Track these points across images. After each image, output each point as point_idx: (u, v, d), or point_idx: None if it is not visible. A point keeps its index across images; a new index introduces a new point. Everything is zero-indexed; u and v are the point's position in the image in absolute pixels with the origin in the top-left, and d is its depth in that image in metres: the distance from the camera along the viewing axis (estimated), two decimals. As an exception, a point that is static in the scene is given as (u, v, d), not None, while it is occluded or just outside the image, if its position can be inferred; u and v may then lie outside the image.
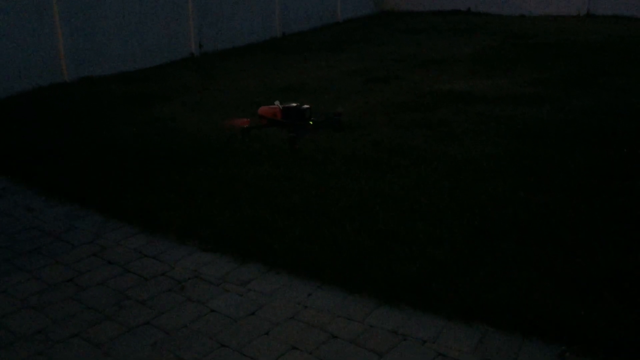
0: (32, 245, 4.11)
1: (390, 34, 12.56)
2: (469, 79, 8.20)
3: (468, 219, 4.01)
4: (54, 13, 8.64)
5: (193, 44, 10.91)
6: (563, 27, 12.20)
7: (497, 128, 5.96)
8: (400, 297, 3.29)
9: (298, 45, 11.67)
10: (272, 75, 8.99)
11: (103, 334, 3.13)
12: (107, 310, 3.34)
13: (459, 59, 9.57)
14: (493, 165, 4.93)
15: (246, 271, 3.69)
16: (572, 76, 7.98)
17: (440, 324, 3.09)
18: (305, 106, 5.45)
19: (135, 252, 3.99)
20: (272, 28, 12.81)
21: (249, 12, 12.10)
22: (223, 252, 3.91)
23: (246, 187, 4.71)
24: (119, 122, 6.69)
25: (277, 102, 5.56)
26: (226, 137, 5.94)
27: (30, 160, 5.58)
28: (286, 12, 13.06)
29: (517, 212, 4.08)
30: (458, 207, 4.21)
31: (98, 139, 6.07)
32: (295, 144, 5.40)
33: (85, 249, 4.05)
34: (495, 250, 3.61)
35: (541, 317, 3.00)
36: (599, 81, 7.66)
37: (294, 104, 5.50)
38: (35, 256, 3.97)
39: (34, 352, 3.01)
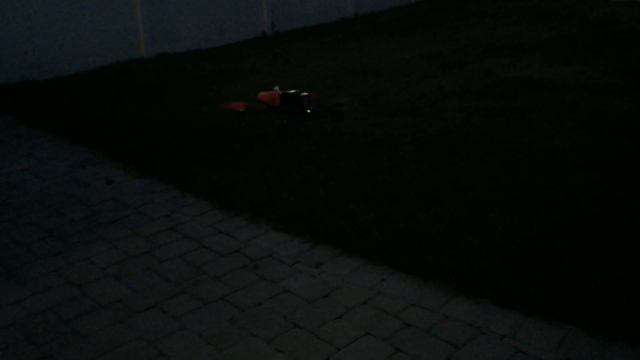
0: (112, 217, 4.24)
1: (466, 17, 12.22)
2: (547, 66, 7.87)
3: (545, 212, 3.87)
4: (134, -9, 8.85)
5: (266, 23, 10.94)
6: (650, 14, 11.55)
7: (578, 119, 5.71)
8: (477, 290, 3.21)
9: (370, 26, 11.53)
10: (343, 56, 8.92)
11: (180, 307, 3.20)
12: (184, 284, 3.41)
13: (537, 44, 9.21)
14: (571, 158, 4.73)
15: (318, 253, 3.69)
16: (660, 66, 7.55)
17: (518, 320, 3.00)
18: (304, 94, 5.29)
19: (210, 227, 4.05)
20: (344, 8, 12.68)
21: (321, -8, 12.02)
22: (295, 233, 3.91)
23: (317, 170, 4.70)
24: (192, 99, 6.80)
25: (276, 88, 5.46)
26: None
27: (110, 132, 5.75)
28: (359, -8, 12.90)
29: (596, 208, 3.90)
30: (534, 199, 4.06)
31: (173, 115, 6.19)
32: (286, 132, 5.25)
33: (162, 222, 4.14)
34: (577, 248, 3.46)
35: (630, 319, 2.86)
36: (691, 73, 7.22)
37: (293, 91, 5.36)
38: (115, 227, 4.09)
39: (115, 320, 3.10)
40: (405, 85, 7.06)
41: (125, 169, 5.04)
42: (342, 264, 3.56)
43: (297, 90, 5.43)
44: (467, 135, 5.31)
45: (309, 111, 5.31)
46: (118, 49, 8.80)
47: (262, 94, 5.66)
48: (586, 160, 4.66)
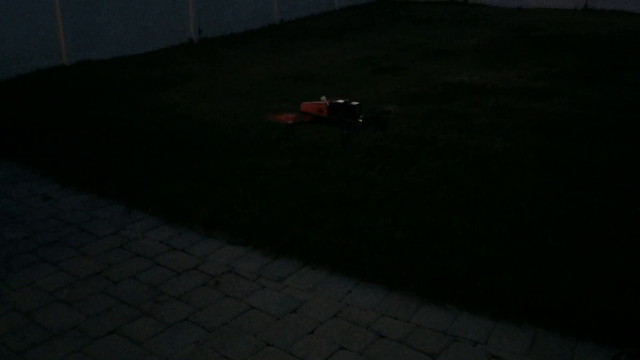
0: (54, 236, 3.96)
1: (391, 23, 12.43)
2: (477, 70, 8.12)
3: (503, 215, 3.95)
4: (54, -6, 8.40)
5: (192, 29, 10.69)
6: (563, 21, 12.16)
7: (515, 121, 5.90)
8: (445, 296, 3.22)
9: (298, 32, 11.50)
10: (276, 62, 8.83)
11: (142, 331, 3.02)
12: (143, 306, 3.22)
13: (465, 50, 9.49)
14: (518, 160, 4.87)
15: (281, 266, 3.59)
16: (581, 70, 7.93)
17: (489, 325, 3.02)
18: (355, 103, 5.18)
19: (162, 244, 3.86)
20: (270, 15, 12.60)
21: (248, -2, 11.90)
22: (254, 245, 3.80)
23: (271, 178, 4.60)
24: (127, 107, 6.52)
25: (323, 98, 5.31)
26: (240, 126, 5.83)
27: (41, 144, 5.40)
28: (285, -1, 12.86)
29: (551, 208, 4.02)
30: (491, 201, 4.15)
31: (108, 124, 5.90)
32: (347, 143, 5.19)
33: (110, 240, 3.91)
34: (537, 248, 3.55)
35: (594, 317, 2.95)
36: (608, 75, 7.63)
37: (342, 100, 5.24)
38: (58, 247, 3.82)
39: (72, 349, 2.89)
40: (343, 91, 7.05)
41: (62, 183, 4.74)
42: (306, 277, 3.48)
43: (346, 100, 5.25)
44: (413, 140, 5.36)
45: (360, 120, 5.14)
46: (38, 56, 8.31)
47: (305, 104, 5.41)
48: (531, 162, 4.81)
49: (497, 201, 4.14)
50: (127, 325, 3.06)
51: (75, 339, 2.96)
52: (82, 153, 5.18)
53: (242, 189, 4.42)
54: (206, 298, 3.30)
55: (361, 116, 5.19)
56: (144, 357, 2.83)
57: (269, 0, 12.50)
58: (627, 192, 4.25)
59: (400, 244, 3.63)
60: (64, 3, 8.49)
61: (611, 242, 3.60)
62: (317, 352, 2.87)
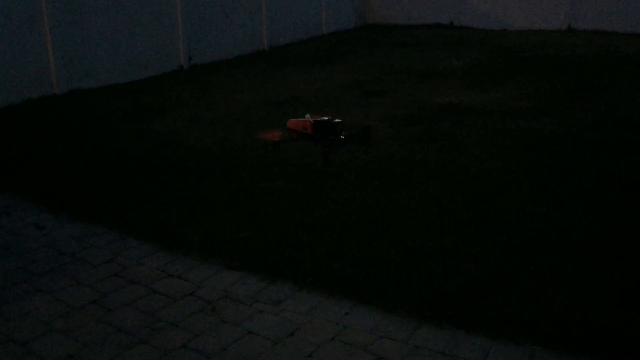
0: (48, 266, 3.95)
1: (378, 47, 12.59)
2: (465, 92, 8.23)
3: (495, 234, 3.99)
4: (44, 26, 8.44)
5: (182, 56, 10.78)
6: (548, 42, 12.38)
7: (503, 141, 5.98)
8: (442, 316, 3.24)
9: (287, 58, 11.62)
10: (266, 88, 8.91)
11: (140, 359, 3.01)
12: (140, 333, 3.21)
13: (452, 72, 9.62)
14: (508, 179, 4.93)
15: (277, 290, 3.60)
16: (566, 90, 8.07)
17: (486, 344, 3.04)
18: (337, 120, 5.36)
19: (158, 271, 3.86)
20: (260, 40, 12.74)
21: (237, 25, 12.02)
22: (250, 270, 3.81)
23: (264, 202, 4.62)
24: (119, 135, 6.54)
25: (307, 116, 5.46)
26: (232, 151, 5.87)
27: (35, 173, 5.40)
28: (273, 25, 13.00)
29: (543, 227, 4.07)
30: (482, 221, 4.19)
31: (101, 152, 5.92)
32: (328, 159, 5.29)
33: (105, 268, 3.90)
34: (530, 266, 3.59)
35: (590, 333, 2.97)
36: (593, 94, 7.77)
37: (325, 118, 5.40)
38: (53, 277, 3.81)
39: (70, 379, 2.87)
40: (334, 115, 7.11)
41: (56, 212, 4.74)
42: (303, 300, 3.49)
43: (329, 117, 5.42)
44: (404, 161, 5.42)
45: (342, 137, 5.29)
46: (28, 86, 8.33)
47: (291, 121, 5.59)
48: (521, 182, 4.86)
49: (488, 220, 4.19)
50: (124, 354, 3.04)
51: (72, 368, 2.95)
52: (75, 181, 5.19)
53: (236, 214, 4.44)
54: (203, 324, 3.30)
55: (343, 133, 5.32)
56: (143, 385, 2.83)
57: (258, 27, 12.65)
58: (616, 207, 4.31)
59: (394, 266, 3.65)
60: (54, 33, 8.54)
61: (603, 257, 3.65)
62: (316, 375, 2.88)
